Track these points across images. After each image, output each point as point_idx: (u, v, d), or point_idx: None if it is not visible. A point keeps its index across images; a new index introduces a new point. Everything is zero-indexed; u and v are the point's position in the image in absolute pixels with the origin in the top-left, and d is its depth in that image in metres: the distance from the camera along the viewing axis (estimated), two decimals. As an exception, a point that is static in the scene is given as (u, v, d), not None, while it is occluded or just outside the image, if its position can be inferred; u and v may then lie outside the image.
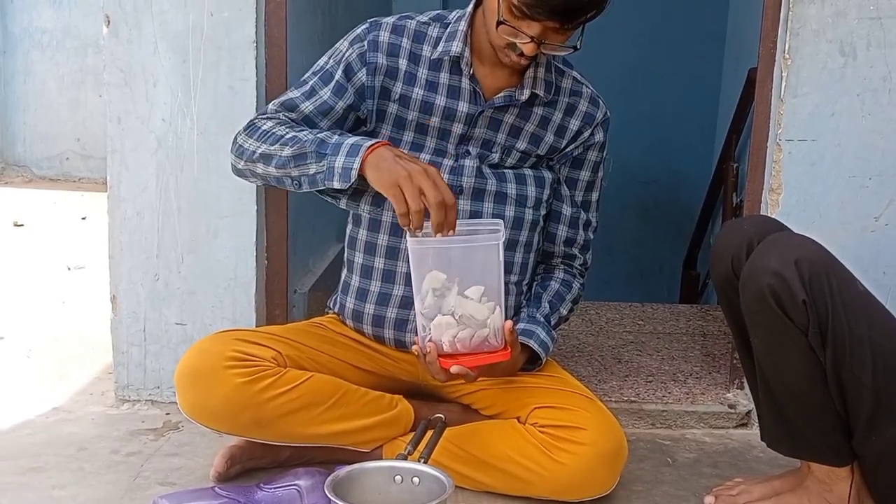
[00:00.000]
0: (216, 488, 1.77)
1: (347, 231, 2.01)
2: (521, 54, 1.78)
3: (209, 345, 1.85)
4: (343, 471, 1.58)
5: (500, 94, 1.91)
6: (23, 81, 6.22)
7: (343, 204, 1.87)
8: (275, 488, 1.76)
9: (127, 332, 2.29)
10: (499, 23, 1.74)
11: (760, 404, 1.80)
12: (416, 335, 1.76)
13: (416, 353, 1.75)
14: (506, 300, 1.88)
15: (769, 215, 2.15)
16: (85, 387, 2.43)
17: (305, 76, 1.93)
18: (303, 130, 1.80)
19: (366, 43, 1.90)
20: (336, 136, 1.75)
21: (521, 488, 1.83)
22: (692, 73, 5.13)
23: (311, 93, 1.89)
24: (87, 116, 6.01)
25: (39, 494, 1.86)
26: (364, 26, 1.93)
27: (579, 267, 2.10)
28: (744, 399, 2.33)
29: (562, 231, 2.05)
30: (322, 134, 1.76)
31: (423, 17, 1.94)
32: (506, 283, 1.93)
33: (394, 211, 1.74)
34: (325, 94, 1.89)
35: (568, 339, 2.86)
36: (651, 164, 5.37)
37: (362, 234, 1.96)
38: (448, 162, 1.92)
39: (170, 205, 2.23)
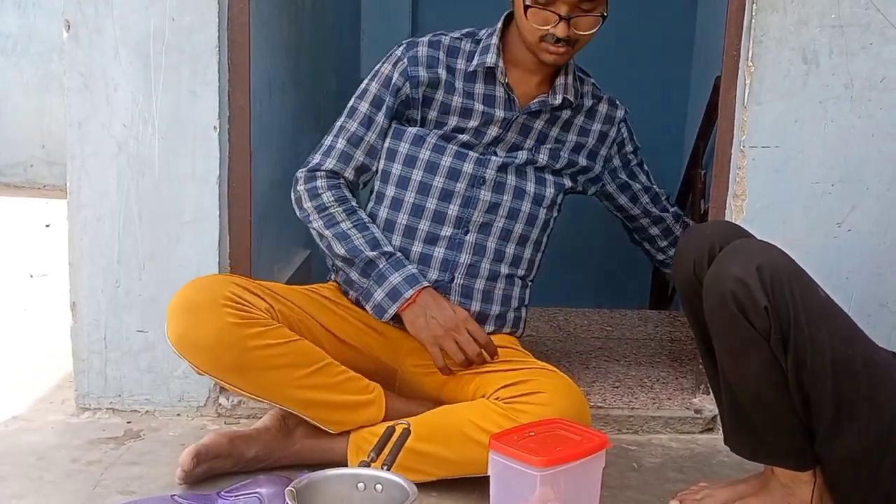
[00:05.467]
0: (176, 496, 1.75)
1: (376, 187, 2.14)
2: (558, 41, 1.93)
3: (208, 281, 1.95)
4: (304, 478, 1.56)
5: (535, 100, 2.06)
6: (-14, 87, 6.14)
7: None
8: (235, 496, 1.74)
9: (87, 340, 2.26)
10: (526, 8, 1.90)
11: (723, 409, 1.80)
12: None
13: None
14: (510, 291, 2.13)
15: (733, 221, 2.16)
16: (45, 395, 2.40)
17: (353, 103, 2.10)
18: (356, 226, 2.03)
19: (406, 59, 2.05)
20: (384, 262, 2.00)
21: (482, 458, 1.71)
22: (661, 82, 5.14)
23: (369, 121, 2.07)
24: (52, 123, 5.93)
25: (-4, 505, 1.83)
26: (402, 46, 2.08)
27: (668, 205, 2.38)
28: (710, 404, 2.34)
29: (646, 204, 2.32)
30: (373, 252, 2.00)
31: (456, 34, 2.10)
32: (511, 276, 2.12)
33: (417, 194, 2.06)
34: (381, 119, 2.07)
35: (536, 346, 2.85)
36: (621, 171, 5.38)
37: (389, 189, 2.09)
38: (474, 154, 2.05)
39: (130, 210, 2.21)
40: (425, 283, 1.99)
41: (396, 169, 2.07)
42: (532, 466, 1.57)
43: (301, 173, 2.08)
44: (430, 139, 2.05)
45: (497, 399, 1.87)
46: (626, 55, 5.17)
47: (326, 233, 2.02)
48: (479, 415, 1.84)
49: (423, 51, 2.05)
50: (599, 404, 2.36)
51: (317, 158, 2.08)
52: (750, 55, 2.17)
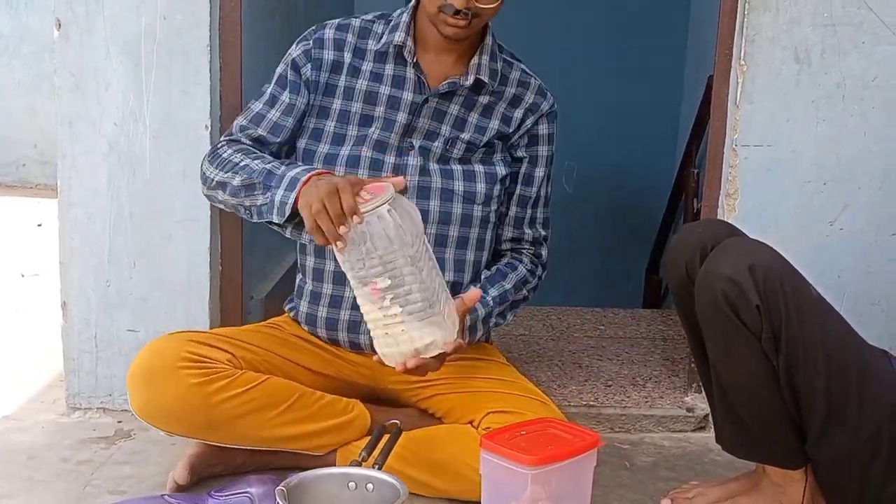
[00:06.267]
0: (166, 496, 1.75)
1: None
2: (457, 13, 1.79)
3: (163, 345, 1.84)
4: (295, 478, 1.56)
5: (444, 82, 1.92)
6: (-23, 87, 6.12)
7: (287, 233, 1.83)
8: (226, 496, 1.74)
9: (78, 339, 2.25)
10: None
11: (715, 407, 1.80)
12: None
13: (376, 359, 1.74)
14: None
15: (726, 220, 2.16)
16: (36, 394, 2.39)
17: (263, 87, 1.97)
18: (257, 159, 1.83)
19: (311, 41, 1.95)
20: (283, 167, 1.77)
21: (475, 491, 1.80)
22: (654, 81, 5.16)
23: (273, 99, 1.94)
24: (44, 122, 5.90)
25: (-14, 504, 1.82)
26: (311, 28, 1.97)
27: (529, 255, 2.07)
28: (702, 402, 2.34)
29: (507, 232, 2.05)
30: (272, 164, 1.79)
31: (369, 16, 2.00)
32: (458, 283, 1.96)
33: None
34: (285, 96, 1.94)
35: (528, 345, 2.85)
36: (615, 171, 5.39)
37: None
38: (390, 159, 1.92)
39: (121, 210, 2.20)
40: (327, 170, 1.78)
41: None
42: (523, 465, 1.57)
43: (204, 158, 1.94)
44: (343, 152, 1.91)
45: (487, 428, 1.80)
46: (620, 55, 5.19)
47: (227, 176, 1.82)
48: (470, 452, 1.75)
49: (329, 33, 1.95)
50: (592, 403, 2.36)
51: (218, 140, 1.97)
52: (742, 54, 2.17)
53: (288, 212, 1.72)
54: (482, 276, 1.99)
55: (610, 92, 5.21)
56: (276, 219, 1.75)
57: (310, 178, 1.71)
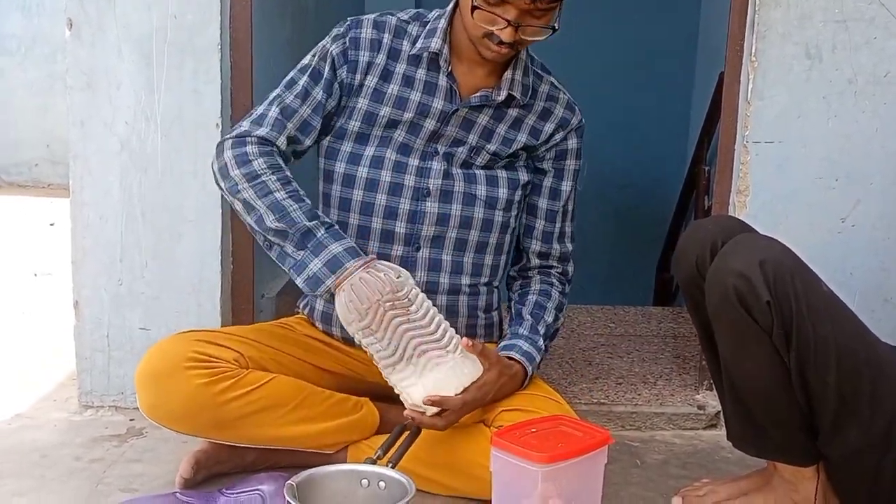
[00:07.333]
0: (178, 494, 1.75)
1: None
2: (501, 43, 1.78)
3: (170, 345, 1.84)
4: (304, 473, 1.55)
5: (476, 94, 1.92)
6: (-9, 87, 6.14)
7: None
8: (237, 493, 1.74)
9: (90, 338, 2.26)
10: (474, 8, 1.76)
11: (726, 404, 1.80)
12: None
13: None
14: (475, 300, 1.99)
15: (736, 217, 2.15)
16: (48, 393, 2.40)
17: (293, 75, 1.94)
18: (291, 195, 1.81)
19: (347, 40, 1.92)
20: (322, 231, 1.79)
21: (487, 490, 1.80)
22: (665, 78, 5.16)
23: (305, 93, 1.91)
24: (57, 123, 5.92)
25: (-1, 502, 1.83)
26: (346, 24, 1.95)
27: (557, 275, 2.09)
28: (713, 400, 2.33)
29: (535, 245, 2.06)
30: (311, 222, 1.79)
31: (404, 16, 1.97)
32: (474, 285, 1.99)
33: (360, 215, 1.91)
34: (319, 93, 1.91)
35: (539, 343, 2.85)
36: (626, 169, 5.39)
37: (332, 213, 1.96)
38: (414, 162, 1.92)
39: (133, 209, 2.21)
40: (371, 257, 1.79)
41: (336, 190, 1.94)
42: (534, 463, 1.56)
43: (227, 140, 1.87)
44: (367, 152, 1.92)
45: (499, 426, 1.79)
46: (631, 53, 5.19)
47: (259, 204, 1.80)
48: (483, 452, 1.73)
49: (366, 32, 1.92)
50: (603, 401, 2.36)
51: (245, 126, 1.89)
52: (753, 50, 2.16)
53: (321, 293, 1.78)
54: (524, 312, 2.00)
55: (620, 89, 5.21)
56: (301, 285, 1.79)
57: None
